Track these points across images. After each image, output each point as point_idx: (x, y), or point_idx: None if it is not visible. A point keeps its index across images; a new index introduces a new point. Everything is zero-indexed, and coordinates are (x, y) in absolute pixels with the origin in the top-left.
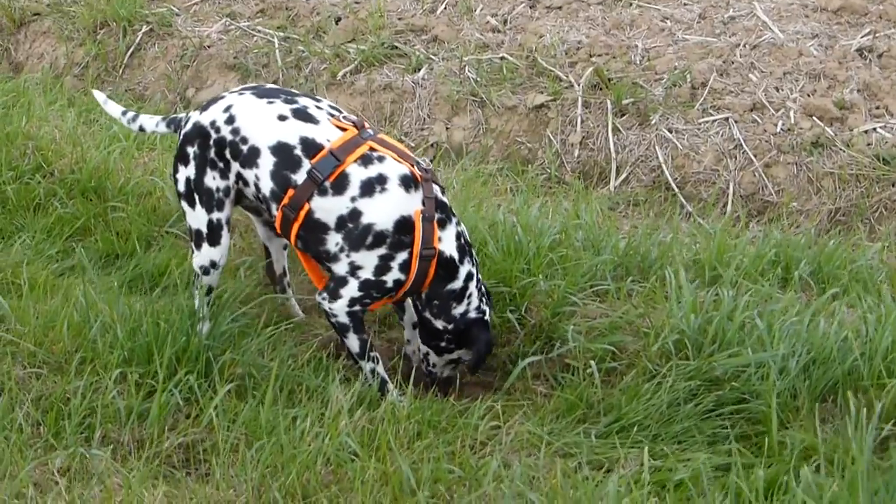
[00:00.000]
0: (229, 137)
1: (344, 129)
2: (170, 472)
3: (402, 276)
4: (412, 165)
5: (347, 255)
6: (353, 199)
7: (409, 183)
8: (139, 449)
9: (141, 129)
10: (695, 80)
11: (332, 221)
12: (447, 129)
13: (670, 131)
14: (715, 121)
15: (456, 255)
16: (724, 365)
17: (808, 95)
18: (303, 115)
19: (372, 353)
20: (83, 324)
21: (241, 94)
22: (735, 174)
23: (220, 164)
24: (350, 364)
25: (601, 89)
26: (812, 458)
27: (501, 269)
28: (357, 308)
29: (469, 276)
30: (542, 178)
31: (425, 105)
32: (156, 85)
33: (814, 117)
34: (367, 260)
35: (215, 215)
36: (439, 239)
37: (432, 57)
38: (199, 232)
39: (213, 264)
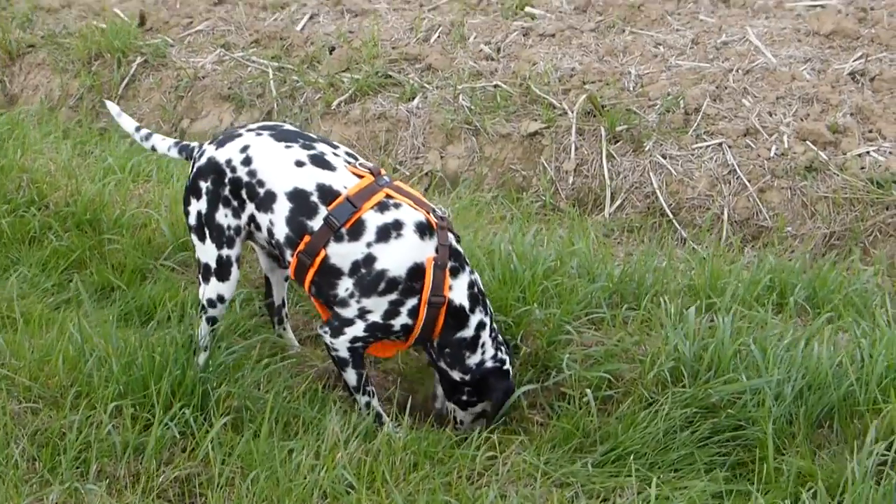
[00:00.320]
0: (245, 179)
1: (361, 176)
2: None
3: (409, 322)
4: (428, 213)
5: (358, 301)
6: (368, 245)
7: (424, 230)
8: (135, 483)
9: (153, 148)
10: (688, 105)
11: (346, 267)
12: (442, 157)
13: (664, 157)
14: (709, 146)
15: (467, 304)
16: (719, 392)
17: (802, 120)
18: (320, 162)
19: (368, 388)
20: (78, 358)
21: (258, 134)
22: (729, 199)
23: (235, 203)
24: (346, 395)
25: (595, 116)
26: (809, 485)
27: (497, 297)
28: (359, 345)
29: (481, 325)
30: (537, 205)
31: (420, 134)
32: (151, 116)
33: (807, 141)
34: (377, 305)
35: (225, 252)
36: (450, 287)
37: (426, 85)
38: (207, 266)
39: (221, 298)
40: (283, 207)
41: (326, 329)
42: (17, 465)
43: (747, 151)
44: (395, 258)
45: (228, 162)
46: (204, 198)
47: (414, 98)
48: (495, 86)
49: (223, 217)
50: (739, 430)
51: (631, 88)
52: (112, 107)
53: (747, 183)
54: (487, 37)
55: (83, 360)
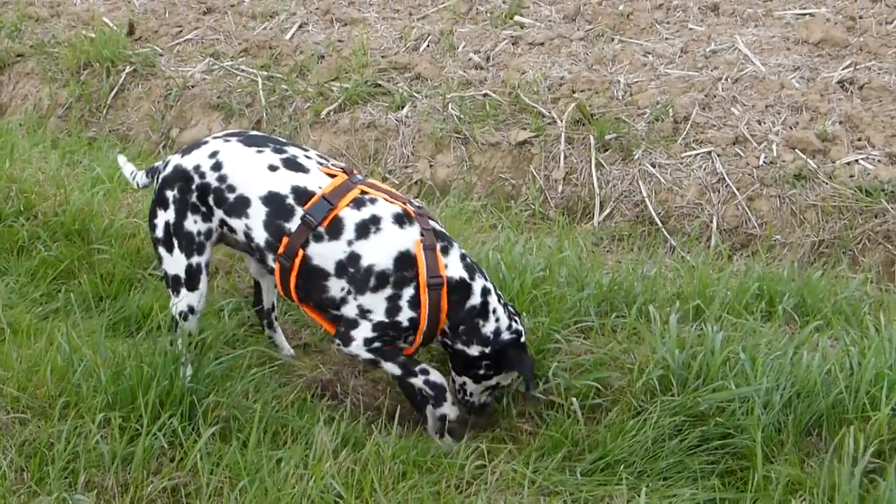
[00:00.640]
0: (214, 184)
1: (334, 176)
2: None
3: (414, 314)
4: (404, 204)
5: (355, 298)
6: (349, 244)
7: (402, 219)
8: (123, 493)
9: (138, 185)
10: (677, 114)
11: (330, 267)
12: (431, 166)
13: (653, 166)
14: (697, 155)
15: (465, 275)
16: (708, 400)
17: (791, 128)
18: (293, 165)
19: (416, 368)
20: (67, 368)
21: (226, 140)
22: (718, 208)
23: (203, 209)
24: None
25: (584, 125)
26: (798, 493)
27: None
28: (376, 345)
29: (485, 291)
30: (526, 214)
31: (409, 142)
32: (139, 125)
33: (796, 150)
34: (375, 303)
35: (195, 259)
36: (445, 266)
37: (415, 94)
38: (176, 277)
39: (192, 309)
40: (258, 212)
41: (337, 341)
42: (5, 475)
43: (736, 160)
44: (379, 251)
45: (196, 168)
46: (171, 207)
47: (403, 107)
48: (484, 95)
49: (192, 224)
50: (728, 438)
51: (620, 97)
52: (122, 160)
53: (736, 191)
54: (477, 46)
55: (71, 370)
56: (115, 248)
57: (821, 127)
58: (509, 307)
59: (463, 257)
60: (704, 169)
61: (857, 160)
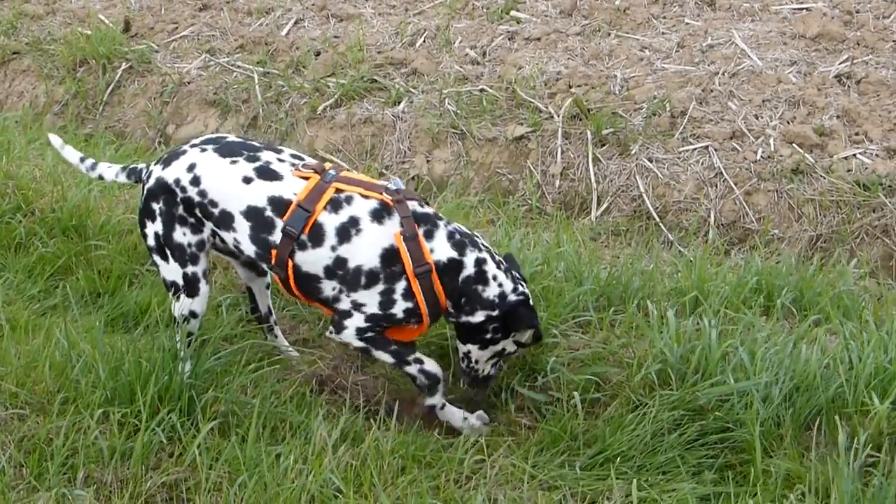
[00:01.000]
0: (197, 199)
1: (307, 178)
2: None
3: (409, 304)
4: (381, 193)
5: (348, 295)
6: (333, 249)
7: (380, 215)
8: (122, 489)
9: (101, 177)
10: (674, 108)
11: (320, 272)
12: (428, 161)
13: (650, 160)
14: (695, 149)
15: (454, 253)
16: (707, 394)
17: (788, 122)
18: (266, 174)
19: (409, 356)
20: (65, 363)
21: (202, 150)
22: (716, 202)
23: (192, 220)
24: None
25: (581, 120)
26: (797, 487)
27: None
28: (369, 334)
29: (479, 261)
30: (524, 209)
31: (406, 138)
32: (136, 122)
33: (794, 144)
34: (369, 298)
35: (190, 269)
36: (431, 251)
37: (412, 90)
38: (175, 284)
39: (193, 314)
40: (243, 227)
41: (330, 329)
42: (4, 471)
43: (733, 154)
44: (363, 252)
45: (177, 182)
46: (159, 219)
47: (400, 102)
48: (481, 90)
49: (181, 236)
50: (727, 432)
51: (617, 92)
52: (54, 139)
53: (734, 186)
54: (473, 41)
55: (70, 365)
56: (112, 244)
57: (818, 121)
58: (513, 273)
59: (451, 235)
60: (702, 163)
61: (854, 154)
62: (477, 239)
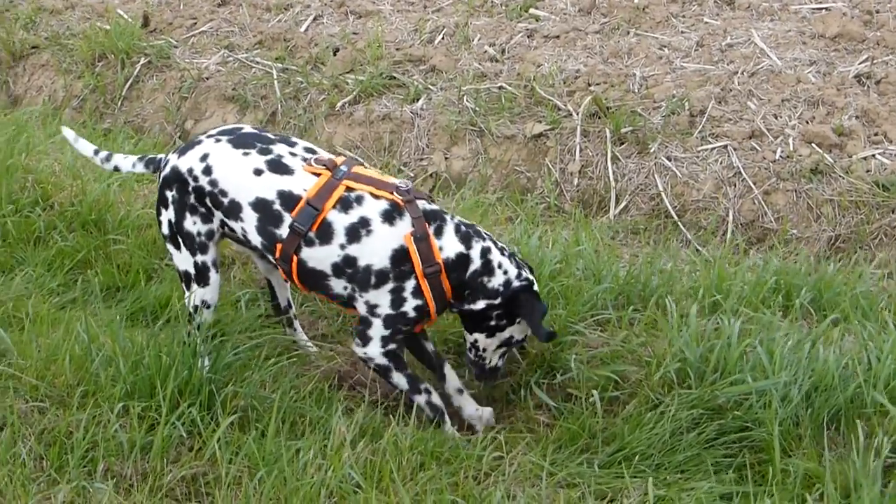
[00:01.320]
0: (208, 188)
1: (318, 174)
2: None
3: (419, 302)
4: (391, 192)
5: (361, 295)
6: (342, 247)
7: (391, 216)
8: (142, 482)
9: (116, 168)
10: (693, 107)
11: (327, 269)
12: (446, 158)
13: (669, 159)
14: (714, 148)
15: (461, 248)
16: (726, 393)
17: (807, 122)
18: (277, 167)
19: (422, 386)
20: (85, 357)
21: (217, 140)
22: (734, 202)
23: (202, 210)
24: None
25: (600, 118)
26: (816, 487)
27: None
28: (391, 346)
29: (485, 251)
30: (542, 207)
31: (424, 135)
32: (154, 117)
33: (813, 144)
34: (380, 297)
35: (200, 258)
36: (440, 248)
37: (431, 87)
38: (187, 273)
39: (205, 304)
40: (250, 217)
41: (357, 341)
42: (24, 463)
43: (752, 154)
44: (374, 252)
45: (190, 171)
46: (172, 207)
47: (418, 99)
48: (500, 87)
49: (192, 225)
50: (746, 431)
51: (636, 90)
52: (68, 132)
53: (752, 185)
54: (492, 38)
55: (90, 359)
56: (131, 238)
57: (837, 121)
58: (516, 258)
59: (457, 228)
60: (720, 163)
61: (873, 155)
62: (479, 228)
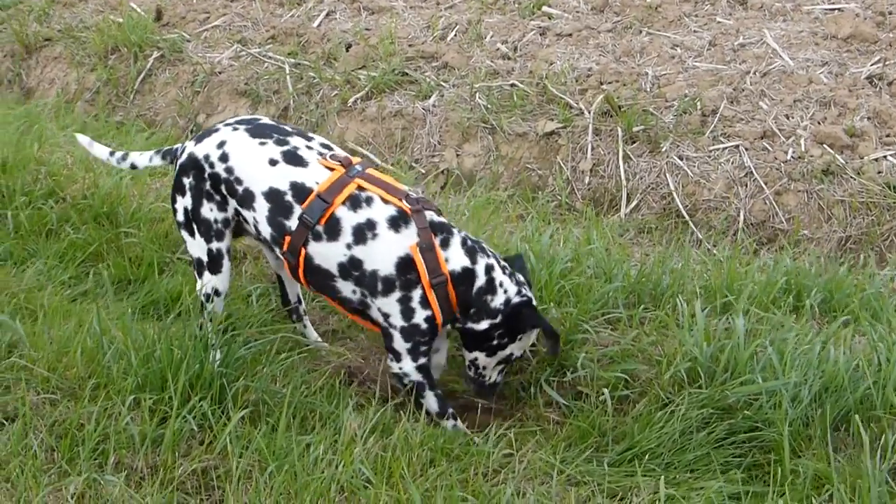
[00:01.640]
0: (223, 175)
1: (332, 169)
2: (184, 498)
3: (428, 312)
4: (400, 199)
5: (373, 301)
6: (348, 247)
7: (397, 222)
8: (153, 475)
9: (133, 166)
10: (705, 107)
11: (333, 268)
12: (458, 155)
13: (681, 159)
14: (725, 148)
15: (467, 262)
16: (736, 393)
17: (819, 123)
18: (292, 158)
19: (449, 410)
20: (97, 349)
21: (235, 129)
22: (745, 202)
23: (217, 197)
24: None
25: (611, 116)
26: (825, 487)
27: None
28: (422, 361)
29: (489, 268)
30: (553, 204)
31: (436, 132)
32: (167, 110)
33: (824, 145)
34: (390, 306)
35: (214, 245)
36: (446, 259)
37: (443, 84)
38: (199, 260)
39: (216, 292)
40: (262, 207)
41: (391, 357)
42: (35, 455)
43: (764, 154)
44: (379, 258)
45: (206, 157)
46: (188, 193)
47: (430, 96)
48: (512, 85)
49: (209, 211)
50: (756, 431)
51: (648, 89)
52: (82, 138)
53: (763, 185)
54: (504, 36)
55: (101, 352)
56: (143, 231)
57: (849, 122)
58: (517, 276)
59: (464, 242)
60: (732, 163)
61: (885, 156)
62: (483, 244)
